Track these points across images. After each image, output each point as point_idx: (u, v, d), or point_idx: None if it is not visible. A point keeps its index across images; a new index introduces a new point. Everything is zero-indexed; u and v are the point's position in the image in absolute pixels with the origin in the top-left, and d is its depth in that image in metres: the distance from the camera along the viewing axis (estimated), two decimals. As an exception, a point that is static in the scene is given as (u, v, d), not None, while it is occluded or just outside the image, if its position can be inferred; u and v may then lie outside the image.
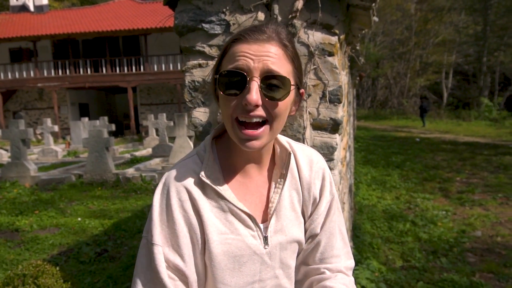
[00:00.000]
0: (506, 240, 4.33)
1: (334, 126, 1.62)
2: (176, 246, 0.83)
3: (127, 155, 12.28)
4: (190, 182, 0.86)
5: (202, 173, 0.86)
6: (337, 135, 1.66)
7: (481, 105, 24.19)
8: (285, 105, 0.82)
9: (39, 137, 19.62)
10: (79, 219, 5.44)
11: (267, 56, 0.78)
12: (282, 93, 0.79)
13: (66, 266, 3.75)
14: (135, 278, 0.84)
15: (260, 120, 0.79)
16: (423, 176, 7.80)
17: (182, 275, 0.84)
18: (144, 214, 5.50)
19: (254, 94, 0.76)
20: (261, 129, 0.79)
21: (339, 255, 0.97)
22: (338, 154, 1.88)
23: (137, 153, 12.67)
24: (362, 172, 8.14)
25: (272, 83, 0.78)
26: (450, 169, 8.59)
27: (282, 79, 0.79)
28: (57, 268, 2.69)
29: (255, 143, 0.80)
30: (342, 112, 1.72)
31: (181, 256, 0.84)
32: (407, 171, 8.35)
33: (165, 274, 0.82)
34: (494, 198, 6.05)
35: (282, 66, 0.80)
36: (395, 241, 4.29)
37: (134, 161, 10.97)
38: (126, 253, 4.06)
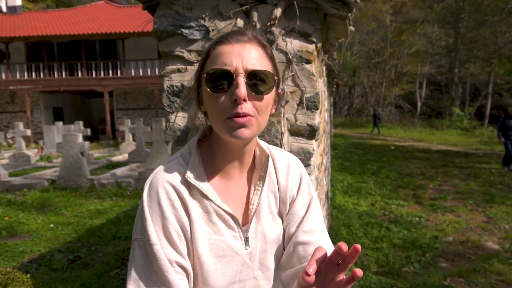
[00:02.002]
0: (475, 246, 4.47)
1: (311, 132, 1.64)
2: (173, 244, 0.84)
3: (103, 160, 12.04)
4: (177, 182, 0.87)
5: (188, 174, 0.87)
6: (314, 141, 1.68)
7: (453, 115, 24.98)
8: (268, 100, 0.86)
9: (10, 141, 19.01)
10: (52, 225, 5.30)
11: (249, 54, 0.83)
12: (266, 87, 0.84)
13: (37, 274, 3.63)
14: (135, 283, 0.83)
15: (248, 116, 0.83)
16: (398, 183, 7.96)
17: (184, 271, 0.86)
18: (120, 220, 5.40)
19: (242, 88, 0.80)
20: (249, 117, 0.82)
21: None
22: (315, 160, 1.91)
23: (113, 158, 12.45)
24: (338, 179, 8.24)
25: (257, 79, 0.82)
26: (423, 176, 8.81)
27: (266, 74, 0.83)
28: (28, 275, 2.61)
29: (245, 131, 0.82)
30: (319, 118, 1.75)
31: (179, 253, 0.85)
32: (382, 178, 8.51)
33: (171, 270, 0.82)
34: (465, 205, 6.23)
35: (263, 64, 0.85)
36: (370, 247, 4.36)
37: (109, 166, 10.77)
38: (100, 260, 3.97)
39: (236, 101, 0.80)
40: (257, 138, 0.98)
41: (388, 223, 5.17)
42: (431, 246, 4.42)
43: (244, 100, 0.80)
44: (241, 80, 0.80)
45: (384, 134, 21.83)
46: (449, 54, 28.78)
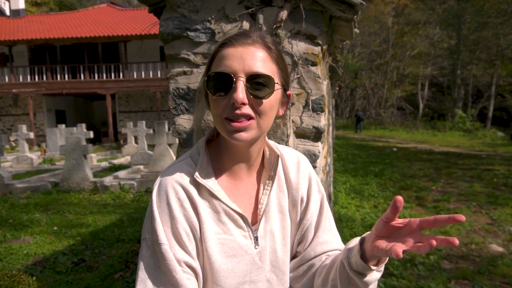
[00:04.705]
0: (479, 248, 4.45)
1: (316, 134, 1.65)
2: (182, 244, 0.84)
3: (105, 163, 12.07)
4: (186, 182, 0.88)
5: (197, 173, 0.87)
6: (319, 143, 1.69)
7: (455, 116, 24.92)
8: (270, 103, 0.85)
9: (13, 144, 19.08)
10: (55, 228, 5.31)
11: (251, 57, 0.83)
12: (267, 92, 0.83)
13: (42, 277, 3.64)
14: (143, 283, 0.82)
15: (248, 118, 0.83)
16: (400, 185, 7.94)
17: (193, 272, 0.85)
18: (123, 223, 5.41)
19: (240, 93, 0.80)
20: (248, 122, 0.82)
21: (340, 248, 1.00)
22: (320, 162, 1.91)
23: (116, 161, 12.48)
24: (341, 181, 8.23)
25: (257, 82, 0.82)
26: (426, 178, 8.79)
27: (266, 78, 0.83)
28: (33, 278, 2.62)
29: (243, 135, 0.82)
30: (324, 120, 1.76)
31: (188, 253, 0.85)
32: (385, 180, 8.49)
33: (179, 270, 0.82)
34: (468, 207, 6.21)
35: (266, 67, 0.84)
36: (374, 249, 4.35)
37: (112, 169, 10.79)
38: (104, 263, 3.98)
39: (234, 105, 0.80)
40: (266, 138, 0.98)
41: (392, 225, 5.16)
42: (435, 248, 4.40)
43: (243, 103, 0.80)
44: (240, 84, 0.80)
45: (386, 136, 21.80)
46: (451, 56, 28.74)
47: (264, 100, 0.83)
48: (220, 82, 0.82)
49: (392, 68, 32.78)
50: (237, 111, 0.80)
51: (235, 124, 0.81)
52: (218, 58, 0.85)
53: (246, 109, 0.81)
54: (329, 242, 0.99)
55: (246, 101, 0.81)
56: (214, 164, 0.93)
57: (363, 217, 5.59)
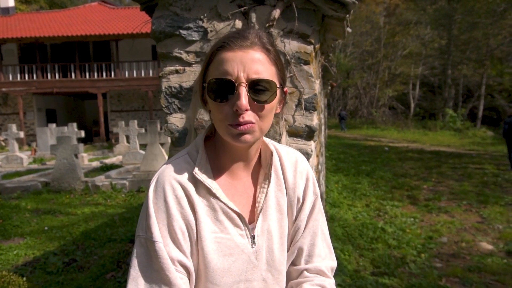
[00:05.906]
0: (470, 246, 4.50)
1: (309, 133, 1.65)
2: (177, 243, 0.84)
3: (97, 163, 11.98)
4: (184, 179, 0.87)
5: (196, 170, 0.87)
6: (312, 142, 1.69)
7: (446, 116, 25.15)
8: (271, 106, 0.85)
9: (3, 143, 18.86)
10: (46, 228, 5.26)
11: (252, 62, 0.82)
12: (269, 95, 0.83)
13: (33, 277, 3.60)
14: (134, 281, 0.82)
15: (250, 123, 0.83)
16: (392, 184, 8.00)
17: (186, 271, 0.85)
18: (114, 223, 5.37)
19: (244, 99, 0.79)
20: (250, 125, 0.82)
21: (320, 254, 0.99)
22: (313, 161, 1.92)
23: (107, 161, 12.39)
24: (333, 180, 8.26)
25: (259, 87, 0.82)
26: (417, 177, 8.86)
27: (268, 82, 0.83)
28: (24, 279, 2.59)
29: (248, 137, 0.82)
30: (317, 119, 1.76)
31: (182, 252, 0.84)
32: (377, 179, 8.54)
33: (172, 269, 0.81)
34: (459, 205, 6.28)
35: (266, 70, 0.84)
36: (365, 248, 4.37)
37: (103, 168, 10.71)
38: (95, 263, 3.95)
39: (238, 111, 0.80)
40: (263, 136, 0.97)
41: (383, 224, 5.20)
42: (426, 246, 4.44)
43: (246, 109, 0.80)
44: (243, 90, 0.80)
45: (378, 135, 21.91)
46: (442, 55, 28.97)
47: (266, 104, 0.83)
48: (221, 88, 0.82)
49: (383, 67, 32.94)
50: (240, 119, 0.80)
51: (240, 128, 0.81)
52: (216, 61, 0.84)
53: (248, 116, 0.81)
54: (310, 245, 0.99)
55: (249, 107, 0.81)
56: (211, 162, 0.93)
57: (355, 216, 5.62)
